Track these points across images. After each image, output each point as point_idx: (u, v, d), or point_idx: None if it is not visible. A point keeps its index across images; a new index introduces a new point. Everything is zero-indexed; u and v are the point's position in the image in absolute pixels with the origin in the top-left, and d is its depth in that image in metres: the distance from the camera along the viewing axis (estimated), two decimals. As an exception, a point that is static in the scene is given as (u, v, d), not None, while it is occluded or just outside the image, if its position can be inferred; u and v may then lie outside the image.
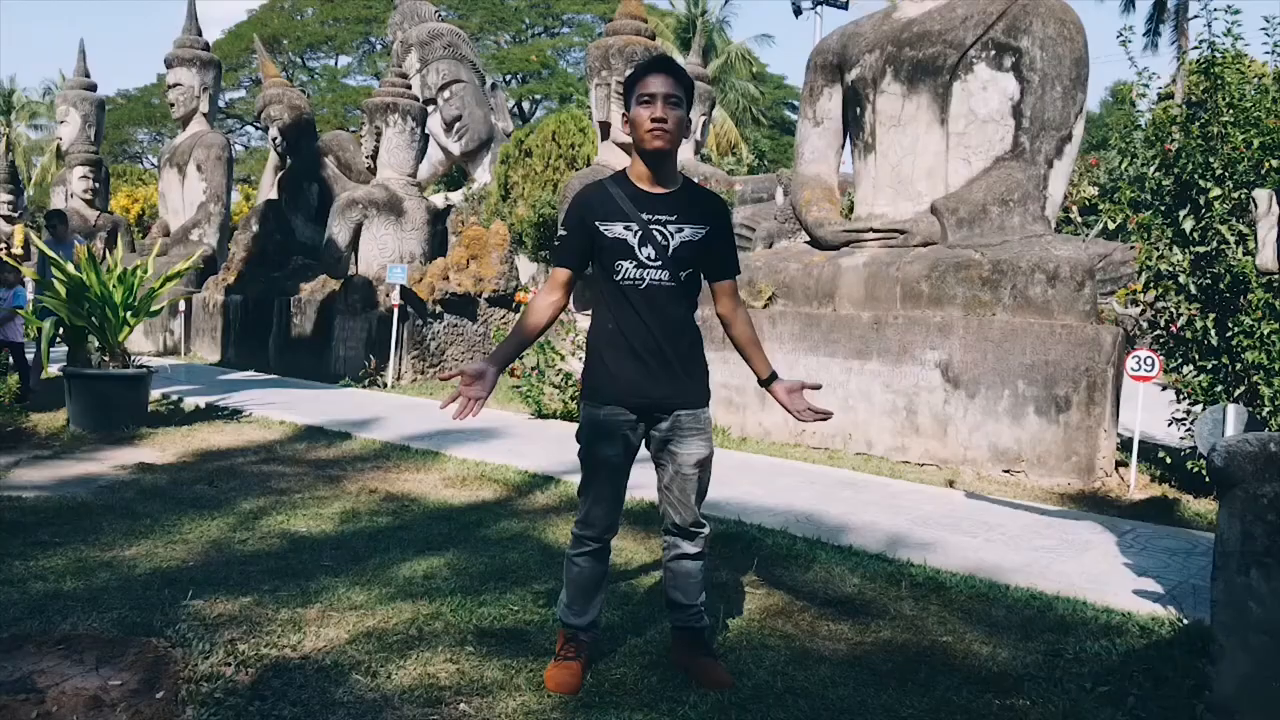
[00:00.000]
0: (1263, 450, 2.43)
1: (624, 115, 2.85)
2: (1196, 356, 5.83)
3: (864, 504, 5.42)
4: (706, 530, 2.98)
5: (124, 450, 6.54)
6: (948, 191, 7.28)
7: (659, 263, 2.78)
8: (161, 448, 6.64)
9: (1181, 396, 5.91)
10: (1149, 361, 5.81)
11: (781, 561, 4.27)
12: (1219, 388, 5.66)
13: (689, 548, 2.95)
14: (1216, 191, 5.61)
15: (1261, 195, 2.80)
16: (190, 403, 8.62)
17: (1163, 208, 6.00)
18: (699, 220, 2.84)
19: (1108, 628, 3.54)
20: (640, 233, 2.77)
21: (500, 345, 2.90)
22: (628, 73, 10.31)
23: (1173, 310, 5.86)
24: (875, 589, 3.96)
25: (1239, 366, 5.58)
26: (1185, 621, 3.56)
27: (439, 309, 11.14)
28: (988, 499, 5.65)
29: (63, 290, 6.78)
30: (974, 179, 7.20)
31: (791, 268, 7.66)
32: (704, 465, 2.89)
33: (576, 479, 3.06)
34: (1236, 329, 5.55)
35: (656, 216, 2.79)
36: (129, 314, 6.99)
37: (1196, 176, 5.74)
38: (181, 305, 13.62)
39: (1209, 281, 5.73)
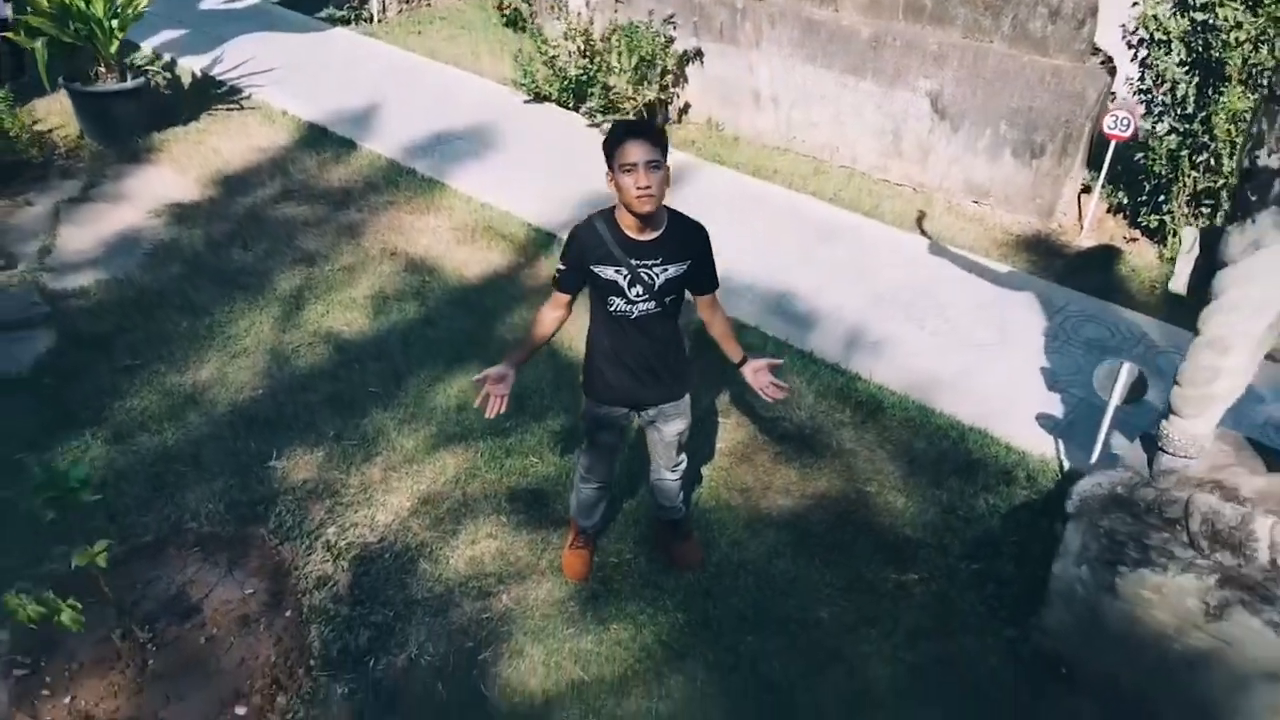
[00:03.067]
0: (1110, 493, 3.16)
1: (608, 175, 3.06)
2: (1172, 116, 5.99)
3: (836, 269, 5.98)
4: (684, 463, 3.75)
5: (144, 172, 6.95)
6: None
7: (647, 297, 3.21)
8: (180, 167, 7.02)
9: (1151, 158, 6.12)
10: (1125, 121, 5.98)
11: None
12: (1184, 153, 5.92)
13: (670, 476, 3.76)
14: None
15: (1188, 234, 3.12)
16: (184, 68, 8.63)
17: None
18: (683, 258, 3.20)
19: (1003, 473, 4.45)
20: (629, 275, 3.16)
21: (513, 350, 3.42)
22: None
23: (1160, 72, 5.89)
24: (824, 411, 4.81)
25: (1208, 137, 5.81)
26: (1067, 466, 4.47)
27: (419, -76, 10.34)
28: (949, 253, 6.21)
29: (46, 5, 6.63)
30: None
31: (794, -45, 7.25)
32: (683, 434, 3.59)
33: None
34: (1217, 99, 5.68)
35: (644, 261, 3.15)
36: (114, 24, 6.88)
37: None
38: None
39: (1201, 48, 5.70)
